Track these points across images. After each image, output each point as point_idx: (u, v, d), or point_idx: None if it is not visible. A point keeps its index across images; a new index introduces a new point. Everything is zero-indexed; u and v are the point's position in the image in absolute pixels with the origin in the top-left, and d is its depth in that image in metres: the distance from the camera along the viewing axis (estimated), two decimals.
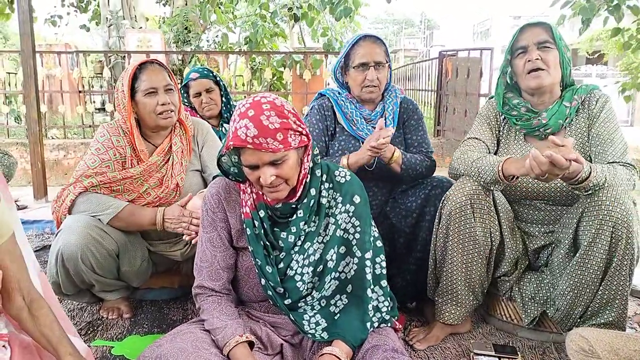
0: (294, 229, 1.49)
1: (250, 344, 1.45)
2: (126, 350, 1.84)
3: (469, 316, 1.99)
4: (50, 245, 3.04)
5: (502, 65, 2.00)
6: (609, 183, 1.65)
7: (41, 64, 5.75)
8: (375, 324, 1.53)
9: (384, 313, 1.56)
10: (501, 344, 1.87)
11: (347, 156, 2.04)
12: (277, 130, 1.32)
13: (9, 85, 7.43)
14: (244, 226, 1.51)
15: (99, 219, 1.95)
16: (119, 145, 2.05)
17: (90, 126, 5.95)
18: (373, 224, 1.60)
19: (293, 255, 1.51)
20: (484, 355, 1.74)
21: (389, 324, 1.57)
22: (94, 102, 6.51)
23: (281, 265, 1.51)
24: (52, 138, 6.05)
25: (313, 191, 1.50)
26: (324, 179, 1.53)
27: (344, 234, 1.53)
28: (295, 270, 1.50)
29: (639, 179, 1.92)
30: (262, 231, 1.49)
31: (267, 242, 1.50)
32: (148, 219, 1.99)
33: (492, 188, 1.82)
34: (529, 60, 1.86)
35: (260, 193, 1.50)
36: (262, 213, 1.49)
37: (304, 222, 1.50)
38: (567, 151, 1.49)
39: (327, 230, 1.53)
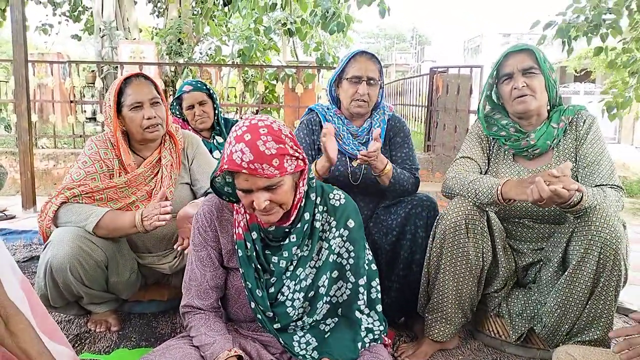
0: (285, 254, 1.47)
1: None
2: None
3: (458, 332, 2.00)
4: (37, 256, 3.03)
5: (485, 88, 2.03)
6: (600, 205, 1.68)
7: (33, 73, 5.74)
8: (367, 345, 1.51)
9: (376, 334, 1.54)
10: None
11: (314, 162, 2.03)
12: (273, 156, 1.30)
13: None
14: (236, 247, 1.49)
15: (85, 229, 1.94)
16: (106, 158, 2.05)
17: (80, 136, 5.93)
18: (367, 246, 1.58)
19: (284, 281, 1.48)
20: None
21: (379, 342, 1.56)
22: (84, 111, 6.49)
23: (272, 289, 1.48)
24: (42, 147, 6.02)
25: (307, 215, 1.47)
26: (318, 202, 1.51)
27: (337, 258, 1.52)
28: (287, 296, 1.47)
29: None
30: (254, 253, 1.47)
31: (258, 265, 1.47)
32: (128, 222, 1.94)
33: (487, 209, 1.84)
34: (515, 88, 1.89)
35: (254, 214, 1.48)
36: (254, 235, 1.47)
37: (296, 247, 1.47)
38: (568, 182, 1.53)
39: (320, 255, 1.51)
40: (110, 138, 2.07)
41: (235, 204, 1.52)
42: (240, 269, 1.48)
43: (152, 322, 2.20)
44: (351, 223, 1.52)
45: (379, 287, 1.57)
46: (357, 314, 1.51)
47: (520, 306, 1.94)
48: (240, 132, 1.31)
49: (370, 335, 1.52)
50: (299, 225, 1.46)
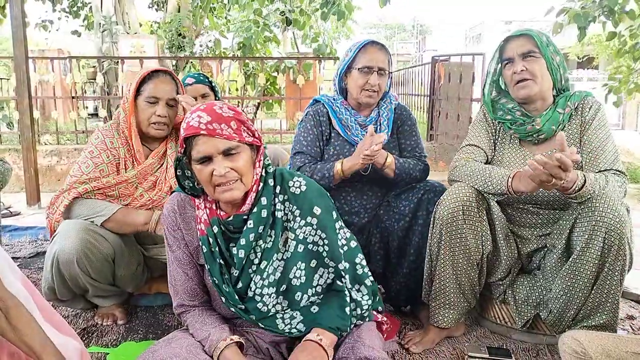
0: (243, 241, 1.43)
1: (240, 347, 1.43)
2: (121, 357, 1.84)
3: (463, 319, 2.01)
4: (43, 252, 3.04)
5: (491, 74, 2.03)
6: (603, 191, 1.67)
7: (34, 69, 5.73)
8: (354, 320, 1.47)
9: (364, 308, 1.51)
10: (495, 346, 1.88)
11: (341, 161, 2.05)
12: (230, 119, 1.35)
13: (1, 90, 7.40)
14: (200, 244, 1.47)
15: (93, 222, 1.95)
16: (112, 147, 2.06)
17: (83, 132, 5.93)
18: (342, 225, 1.55)
19: (251, 275, 1.44)
20: (478, 357, 1.76)
21: (368, 319, 1.52)
22: (86, 107, 6.49)
23: (240, 285, 1.45)
24: (45, 144, 6.02)
25: (264, 200, 1.44)
26: (277, 191, 1.48)
27: (313, 247, 1.49)
28: (254, 291, 1.44)
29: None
30: (217, 248, 1.44)
31: (221, 261, 1.44)
32: (142, 220, 2.01)
33: (495, 199, 1.84)
34: (515, 72, 1.89)
35: (214, 208, 1.46)
36: (215, 229, 1.44)
37: (255, 235, 1.43)
38: (571, 152, 1.52)
39: (287, 246, 1.48)
40: (120, 123, 2.10)
41: (196, 200, 1.50)
42: (206, 265, 1.46)
43: (159, 314, 2.21)
44: (317, 210, 1.48)
45: (363, 262, 1.54)
46: (344, 290, 1.48)
47: (525, 293, 1.94)
48: (195, 109, 1.37)
49: (359, 310, 1.49)
50: (255, 210, 1.43)
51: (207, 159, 1.35)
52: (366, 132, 2.17)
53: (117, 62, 6.63)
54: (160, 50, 8.72)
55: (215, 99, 2.98)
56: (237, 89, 7.40)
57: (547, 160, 1.50)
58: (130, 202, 2.06)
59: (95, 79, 6.29)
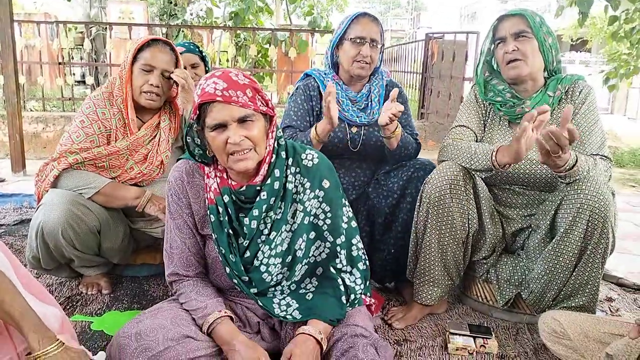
0: (256, 212, 1.43)
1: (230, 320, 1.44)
2: (105, 326, 1.84)
3: (446, 297, 2.03)
4: (28, 219, 3.02)
5: (485, 53, 2.01)
6: (590, 173, 1.69)
7: (20, 33, 5.59)
8: (347, 305, 1.49)
9: (358, 293, 1.53)
10: (476, 324, 1.91)
11: (314, 126, 2.01)
12: (246, 86, 1.34)
13: None
14: (208, 212, 1.46)
15: (81, 194, 1.93)
16: (104, 118, 2.02)
17: (70, 99, 5.83)
18: (346, 203, 1.57)
19: (260, 245, 1.46)
20: (459, 334, 1.79)
21: (359, 304, 1.55)
22: (73, 74, 6.36)
23: (247, 254, 1.46)
24: (31, 110, 5.92)
25: (277, 172, 1.45)
26: (289, 163, 1.49)
27: (314, 219, 1.51)
28: (261, 260, 1.46)
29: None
30: (227, 218, 1.44)
31: (230, 230, 1.44)
32: (132, 195, 1.99)
33: (483, 176, 1.84)
34: (507, 52, 1.88)
35: (225, 177, 1.46)
36: (226, 198, 1.44)
37: (267, 206, 1.44)
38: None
39: (295, 217, 1.49)
40: (110, 95, 2.05)
41: (205, 168, 1.49)
42: (213, 235, 1.46)
43: (144, 285, 2.21)
44: (326, 183, 1.51)
45: (360, 245, 1.57)
46: (335, 272, 1.50)
47: (508, 272, 1.96)
48: (209, 75, 1.36)
49: (352, 296, 1.51)
50: (268, 182, 1.44)
51: (221, 126, 1.34)
52: (357, 107, 2.16)
53: (106, 28, 6.48)
54: (149, 18, 8.54)
55: (205, 69, 2.94)
56: (227, 60, 7.30)
57: (557, 131, 1.48)
58: (120, 174, 2.03)
59: (82, 45, 6.14)
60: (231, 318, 1.45)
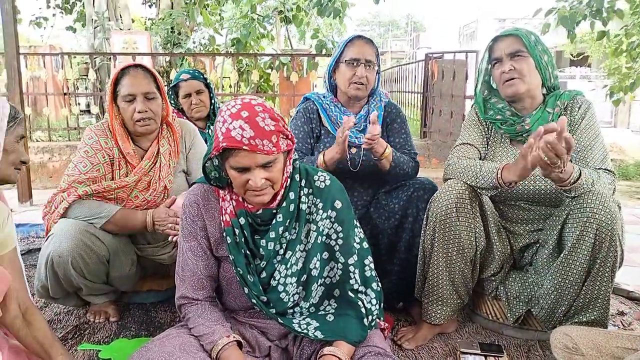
0: (272, 234, 1.45)
1: (239, 346, 1.44)
2: (114, 354, 1.83)
3: (455, 316, 2.01)
4: (35, 249, 3.02)
5: (482, 73, 2.03)
6: (595, 187, 1.68)
7: (25, 65, 5.69)
8: (368, 328, 1.50)
9: (374, 314, 1.54)
10: (487, 342, 1.89)
11: (323, 152, 2.05)
12: (272, 133, 1.31)
13: None
14: (224, 234, 1.47)
15: (92, 223, 1.94)
16: (106, 147, 2.04)
17: (75, 128, 5.89)
18: (357, 225, 1.58)
19: (276, 265, 1.47)
20: (471, 354, 1.76)
21: (375, 327, 1.56)
22: (78, 104, 6.45)
23: (263, 274, 1.47)
24: (37, 141, 5.98)
25: (292, 195, 1.47)
26: (303, 184, 1.51)
27: (326, 239, 1.52)
28: (278, 280, 1.46)
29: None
30: (243, 239, 1.45)
31: (247, 251, 1.46)
32: (140, 222, 2.00)
33: (488, 194, 1.84)
34: (504, 72, 1.89)
35: (241, 200, 1.46)
36: (242, 220, 1.45)
37: (283, 228, 1.46)
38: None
39: (309, 237, 1.50)
40: (110, 126, 2.07)
41: (220, 191, 1.50)
42: (230, 256, 1.47)
43: (151, 311, 2.21)
44: (338, 204, 1.52)
45: (372, 265, 1.57)
46: (352, 294, 1.51)
47: (517, 289, 1.95)
48: (235, 110, 1.31)
49: (370, 317, 1.52)
50: (284, 205, 1.46)
51: (244, 170, 1.34)
52: (356, 129, 2.18)
53: (110, 58, 6.58)
54: (153, 47, 8.67)
55: (210, 96, 2.98)
56: (230, 86, 7.38)
57: (554, 140, 1.48)
58: (126, 203, 2.05)
59: (87, 75, 6.24)
60: (240, 343, 1.44)
